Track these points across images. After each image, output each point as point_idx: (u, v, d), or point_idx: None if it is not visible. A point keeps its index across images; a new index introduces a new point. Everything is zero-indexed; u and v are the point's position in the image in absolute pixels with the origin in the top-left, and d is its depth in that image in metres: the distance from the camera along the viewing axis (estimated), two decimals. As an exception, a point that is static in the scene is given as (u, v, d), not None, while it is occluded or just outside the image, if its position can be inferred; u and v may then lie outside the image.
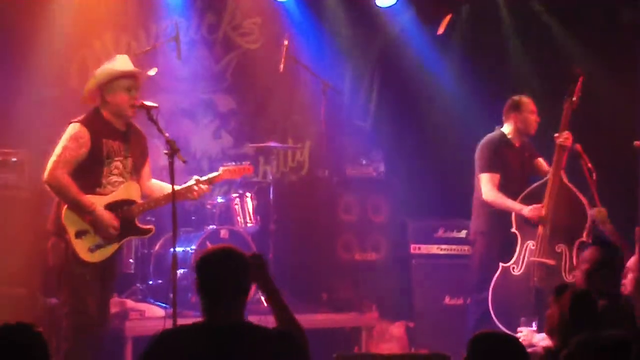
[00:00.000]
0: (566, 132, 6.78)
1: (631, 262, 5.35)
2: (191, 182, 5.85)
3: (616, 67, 8.12)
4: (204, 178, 5.90)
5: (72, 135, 5.51)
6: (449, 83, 8.78)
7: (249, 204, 7.52)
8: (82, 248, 5.47)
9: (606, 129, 8.05)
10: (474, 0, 8.48)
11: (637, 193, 4.83)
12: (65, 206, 5.47)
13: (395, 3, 8.38)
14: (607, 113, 8.18)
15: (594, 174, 6.63)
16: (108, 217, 5.51)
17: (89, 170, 5.52)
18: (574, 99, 6.81)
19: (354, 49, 8.86)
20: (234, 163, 6.36)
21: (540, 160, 7.14)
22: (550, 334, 4.27)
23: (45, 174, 5.49)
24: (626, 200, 6.78)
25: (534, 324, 5.17)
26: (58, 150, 5.49)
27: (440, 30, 8.40)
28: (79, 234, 5.47)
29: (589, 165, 6.66)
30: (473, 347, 3.21)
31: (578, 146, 6.74)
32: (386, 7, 8.46)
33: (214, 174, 6.02)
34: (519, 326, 5.22)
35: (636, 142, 6.16)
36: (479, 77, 8.54)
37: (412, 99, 8.87)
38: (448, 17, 8.41)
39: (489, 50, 8.70)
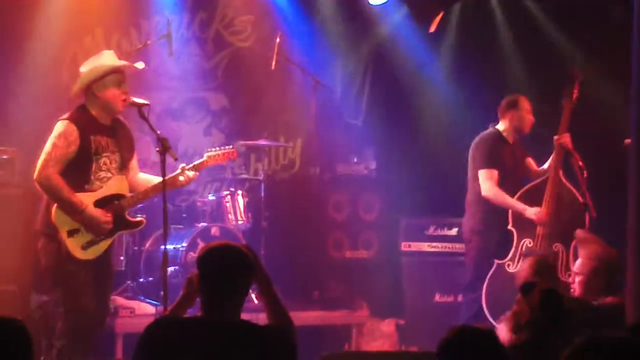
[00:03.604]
0: (566, 134, 6.79)
1: (577, 265, 5.33)
2: (177, 171, 5.83)
3: (607, 65, 8.12)
4: (190, 165, 5.89)
5: (60, 132, 5.46)
6: (441, 81, 8.78)
7: (240, 202, 7.52)
8: (75, 246, 5.45)
9: (597, 127, 8.05)
10: (466, -2, 8.49)
11: (627, 191, 4.83)
12: (55, 205, 5.44)
13: (388, 1, 8.37)
14: (598, 111, 8.18)
15: (585, 172, 6.63)
16: (99, 214, 5.48)
17: (78, 168, 5.48)
18: (573, 99, 6.82)
19: (345, 47, 8.85)
20: (218, 149, 6.27)
21: (530, 160, 7.13)
22: (516, 331, 4.29)
23: (36, 173, 5.44)
24: (616, 198, 6.77)
25: None
26: (47, 148, 5.44)
27: (432, 28, 8.39)
28: (71, 233, 5.44)
29: (580, 163, 6.67)
30: (446, 344, 3.16)
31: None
32: (378, 5, 8.45)
33: (199, 160, 5.99)
34: None
35: (626, 141, 6.15)
36: (470, 75, 8.53)
37: (404, 96, 8.87)
38: (440, 15, 8.40)
39: (481, 48, 8.71)
